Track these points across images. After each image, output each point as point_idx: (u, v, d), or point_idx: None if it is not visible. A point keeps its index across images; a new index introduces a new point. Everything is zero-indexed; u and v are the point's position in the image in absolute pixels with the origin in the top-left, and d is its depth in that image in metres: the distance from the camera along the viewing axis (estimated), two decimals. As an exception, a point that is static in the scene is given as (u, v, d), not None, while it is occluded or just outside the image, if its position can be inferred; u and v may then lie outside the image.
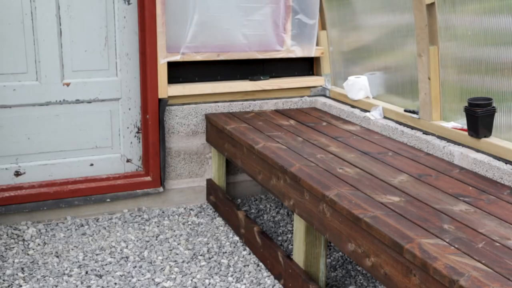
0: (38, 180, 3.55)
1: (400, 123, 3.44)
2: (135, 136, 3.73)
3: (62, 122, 3.59)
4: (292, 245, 3.37)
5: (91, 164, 3.69)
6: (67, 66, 3.53)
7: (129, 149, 3.76)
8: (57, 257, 3.20)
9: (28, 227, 3.51)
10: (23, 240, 3.38)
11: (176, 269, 3.09)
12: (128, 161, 3.72)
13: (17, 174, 3.44)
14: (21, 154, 3.50)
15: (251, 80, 4.08)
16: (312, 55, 4.20)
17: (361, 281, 3.03)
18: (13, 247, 3.29)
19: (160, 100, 3.75)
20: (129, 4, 3.53)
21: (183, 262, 3.18)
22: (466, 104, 2.88)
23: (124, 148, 3.76)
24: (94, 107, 3.65)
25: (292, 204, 2.81)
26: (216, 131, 3.74)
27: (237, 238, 3.47)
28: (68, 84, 3.48)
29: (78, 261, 3.15)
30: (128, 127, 3.73)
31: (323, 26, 4.23)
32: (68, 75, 3.53)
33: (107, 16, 3.55)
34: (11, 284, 2.90)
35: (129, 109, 3.70)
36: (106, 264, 3.13)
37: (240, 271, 3.10)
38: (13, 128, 3.45)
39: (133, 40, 3.64)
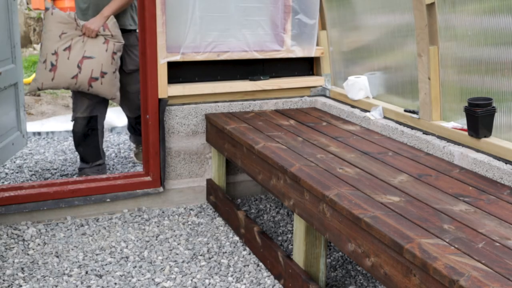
0: None
1: (400, 123, 3.44)
2: (24, 113, 4.20)
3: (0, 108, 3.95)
4: (292, 245, 3.37)
5: (13, 144, 4.07)
6: None
7: (24, 126, 4.22)
8: (57, 257, 3.20)
9: (28, 227, 3.51)
10: (23, 240, 3.38)
11: (176, 269, 3.09)
12: (23, 136, 4.16)
13: None
14: None
15: (251, 80, 4.08)
16: (312, 55, 4.19)
17: (361, 281, 3.03)
18: (13, 247, 3.29)
19: (160, 100, 3.75)
20: (14, 0, 4.00)
21: (183, 262, 3.18)
22: (466, 104, 2.88)
23: (22, 125, 4.22)
24: (9, 92, 4.06)
25: (292, 204, 2.81)
26: (216, 131, 3.74)
27: (237, 238, 3.47)
28: (1, 73, 3.86)
29: (78, 261, 3.15)
30: (22, 107, 4.17)
31: (323, 26, 4.23)
32: None
33: (6, 12, 3.97)
34: (11, 284, 2.90)
35: (21, 91, 4.15)
36: (106, 264, 3.13)
37: (240, 271, 3.10)
38: None
39: (18, 31, 4.12)
